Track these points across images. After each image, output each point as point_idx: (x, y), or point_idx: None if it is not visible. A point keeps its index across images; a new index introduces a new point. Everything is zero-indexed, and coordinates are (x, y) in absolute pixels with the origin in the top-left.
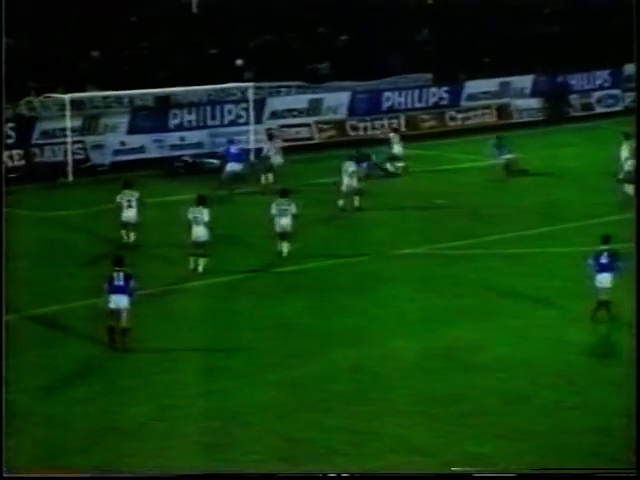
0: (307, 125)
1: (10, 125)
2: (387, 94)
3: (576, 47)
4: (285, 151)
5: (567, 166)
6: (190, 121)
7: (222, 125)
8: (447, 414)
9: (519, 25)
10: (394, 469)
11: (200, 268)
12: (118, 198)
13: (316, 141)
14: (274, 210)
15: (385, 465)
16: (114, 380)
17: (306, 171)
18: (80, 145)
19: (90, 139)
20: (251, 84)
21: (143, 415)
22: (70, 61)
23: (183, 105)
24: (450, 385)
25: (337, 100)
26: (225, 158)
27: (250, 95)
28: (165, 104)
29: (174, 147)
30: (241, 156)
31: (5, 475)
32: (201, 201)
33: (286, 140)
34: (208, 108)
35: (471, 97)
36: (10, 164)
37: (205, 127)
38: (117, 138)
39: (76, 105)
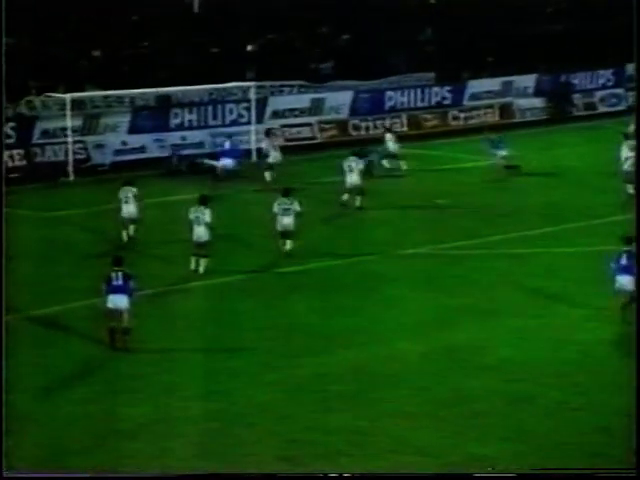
0: (309, 125)
1: (11, 125)
2: (389, 93)
3: (579, 46)
4: (287, 151)
5: (570, 166)
6: (191, 121)
7: (223, 125)
8: (450, 415)
9: (522, 24)
10: (396, 470)
11: (201, 268)
12: (119, 195)
13: (318, 141)
14: (276, 209)
15: (388, 466)
16: (114, 381)
17: (308, 171)
18: (81, 145)
19: (91, 139)
20: (253, 83)
21: (143, 416)
22: (71, 60)
23: (184, 105)
24: (453, 386)
25: (339, 100)
26: (219, 154)
27: (252, 94)
28: (166, 104)
29: (175, 147)
30: (235, 153)
31: (5, 475)
32: (202, 201)
33: (288, 140)
34: (209, 108)
35: (474, 96)
36: (11, 164)
37: (206, 127)
38: (118, 138)
39: (77, 105)
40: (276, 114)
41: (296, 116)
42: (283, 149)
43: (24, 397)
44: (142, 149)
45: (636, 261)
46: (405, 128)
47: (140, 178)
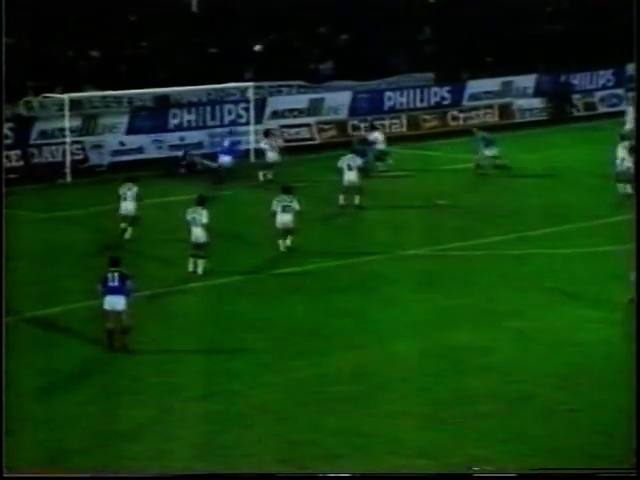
0: (308, 125)
1: (8, 125)
2: (389, 94)
3: (579, 46)
4: (285, 151)
5: (570, 166)
6: (190, 121)
7: (222, 125)
8: (451, 416)
9: (521, 24)
10: (396, 471)
11: (199, 269)
12: (119, 190)
13: (317, 141)
14: (276, 206)
15: (387, 467)
16: (114, 382)
17: (306, 171)
18: (79, 145)
19: (89, 139)
20: (251, 84)
21: (143, 417)
22: (69, 61)
23: (183, 105)
24: (453, 387)
25: (338, 100)
26: (218, 153)
27: (250, 95)
28: (164, 104)
29: (173, 147)
30: (233, 150)
31: (5, 475)
32: (200, 202)
33: (286, 140)
34: (208, 108)
35: (473, 97)
36: (8, 164)
37: (205, 127)
38: (116, 138)
39: (75, 105)
40: (275, 114)
41: (295, 116)
42: (282, 150)
43: (24, 398)
44: (140, 150)
45: (636, 261)
46: (404, 128)
47: (138, 179)
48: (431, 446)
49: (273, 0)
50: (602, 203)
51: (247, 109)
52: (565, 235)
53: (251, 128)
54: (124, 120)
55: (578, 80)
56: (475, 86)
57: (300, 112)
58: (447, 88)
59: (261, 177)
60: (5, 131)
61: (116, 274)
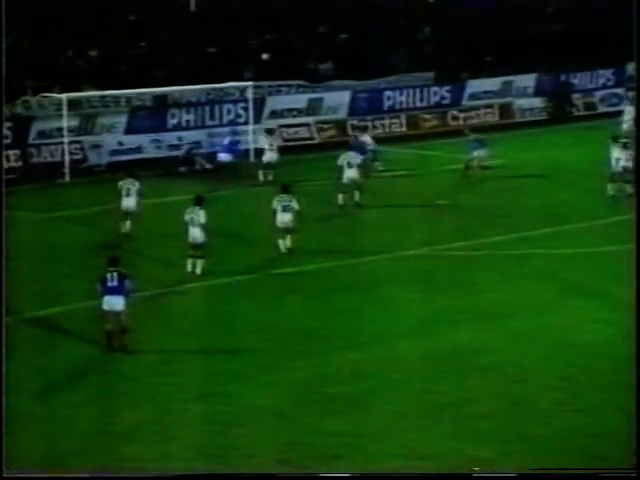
0: (307, 125)
1: (7, 125)
2: (388, 93)
3: (579, 46)
4: (284, 151)
5: (570, 166)
6: (188, 121)
7: (221, 125)
8: (450, 417)
9: (522, 24)
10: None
11: (198, 270)
12: (120, 183)
13: (316, 141)
14: (276, 205)
15: (387, 469)
16: (113, 383)
17: (305, 171)
18: (77, 145)
19: (87, 139)
20: (250, 83)
21: (142, 418)
22: (67, 60)
23: (181, 105)
24: (454, 388)
25: (337, 99)
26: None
27: (249, 94)
28: (163, 104)
29: (172, 147)
30: (233, 148)
31: (5, 475)
32: (197, 202)
33: (285, 140)
34: (207, 108)
35: (473, 96)
36: (6, 164)
37: (204, 127)
38: (114, 138)
39: (73, 105)
40: (274, 114)
41: (294, 116)
42: (281, 149)
43: (24, 398)
44: (139, 149)
45: (636, 261)
46: (404, 128)
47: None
48: (431, 447)
49: (272, 0)
50: (602, 203)
51: (246, 109)
52: (565, 235)
53: (250, 128)
54: (123, 120)
55: (578, 80)
56: (475, 86)
57: (299, 112)
58: (447, 88)
59: (261, 177)
60: (4, 131)
61: (115, 274)
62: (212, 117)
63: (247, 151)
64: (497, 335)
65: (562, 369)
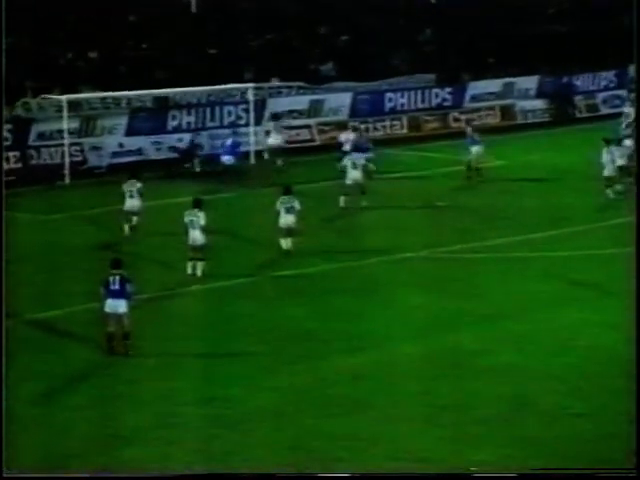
0: (308, 127)
1: (7, 127)
2: (389, 95)
3: (581, 47)
4: (285, 153)
5: (571, 168)
6: (189, 122)
7: (222, 126)
8: (451, 420)
9: (523, 25)
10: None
11: (198, 272)
12: (124, 188)
13: (317, 143)
14: (279, 207)
15: (387, 472)
16: (113, 386)
17: (306, 172)
18: (77, 147)
19: (88, 141)
20: (251, 85)
21: (142, 421)
22: (68, 62)
23: (182, 106)
24: (454, 391)
25: (339, 101)
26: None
27: (250, 96)
28: (163, 105)
29: (172, 149)
30: (235, 149)
31: (5, 475)
32: (197, 204)
33: (286, 142)
34: (207, 109)
35: (475, 98)
36: (6, 166)
37: (204, 129)
38: (115, 140)
39: (73, 106)
40: (275, 116)
41: (295, 118)
42: (282, 150)
43: (24, 401)
44: (139, 151)
45: (635, 262)
46: (405, 130)
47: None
48: (431, 450)
49: (273, 1)
50: (604, 205)
51: (247, 110)
52: (567, 237)
53: (251, 129)
54: (123, 121)
55: (580, 81)
56: (477, 87)
57: (300, 113)
58: (448, 89)
59: (267, 157)
60: (4, 133)
61: (117, 277)
62: (213, 119)
63: (248, 153)
64: (498, 338)
65: (563, 372)
